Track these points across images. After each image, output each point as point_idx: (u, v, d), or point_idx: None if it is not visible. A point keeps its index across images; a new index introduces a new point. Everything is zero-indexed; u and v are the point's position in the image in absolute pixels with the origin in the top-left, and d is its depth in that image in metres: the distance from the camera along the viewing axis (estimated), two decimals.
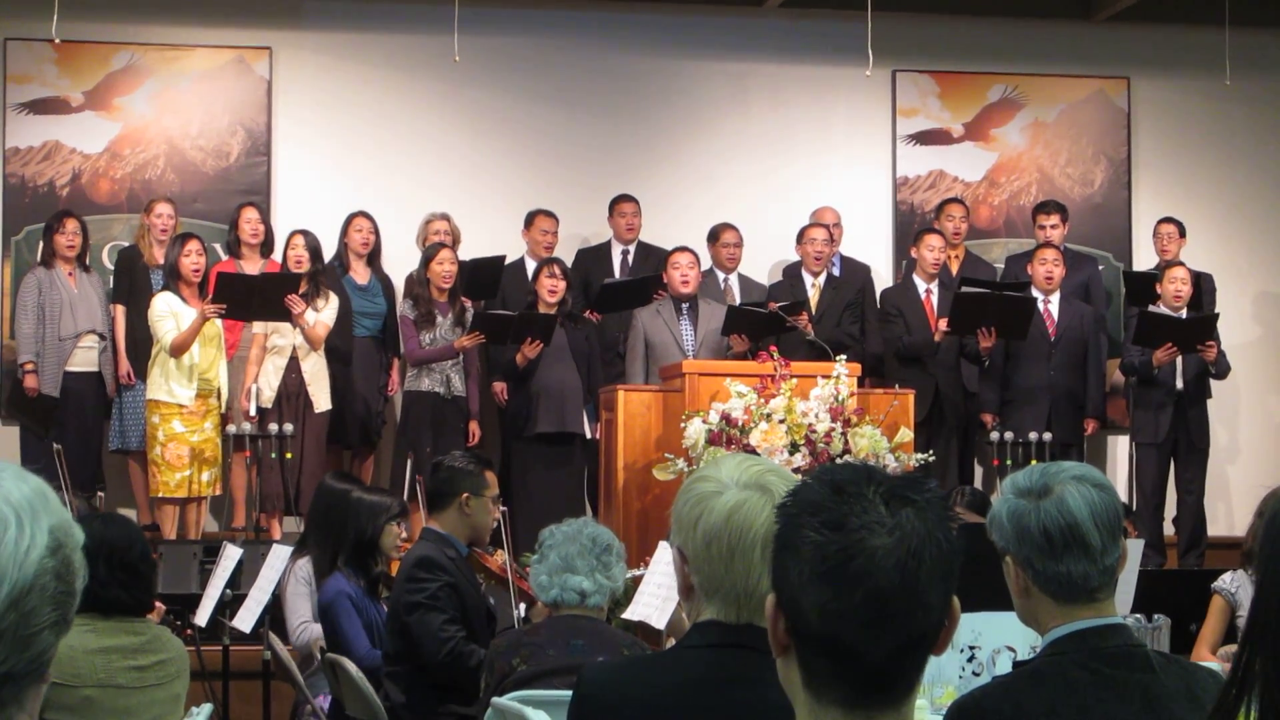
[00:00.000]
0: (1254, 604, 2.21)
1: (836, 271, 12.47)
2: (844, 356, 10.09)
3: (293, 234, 11.52)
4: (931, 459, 10.19)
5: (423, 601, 6.44)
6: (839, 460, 9.58)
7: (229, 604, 7.89)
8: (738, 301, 12.01)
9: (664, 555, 6.84)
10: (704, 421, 9.63)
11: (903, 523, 2.03)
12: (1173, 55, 13.98)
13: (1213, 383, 12.07)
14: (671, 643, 6.35)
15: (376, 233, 12.02)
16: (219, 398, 11.24)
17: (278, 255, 11.79)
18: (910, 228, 13.33)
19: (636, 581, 7.20)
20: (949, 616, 2.07)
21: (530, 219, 12.46)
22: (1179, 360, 11.78)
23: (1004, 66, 13.89)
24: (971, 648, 5.53)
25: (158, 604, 7.26)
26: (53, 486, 1.87)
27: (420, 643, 6.44)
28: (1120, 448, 13.05)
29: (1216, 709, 2.20)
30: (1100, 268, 13.22)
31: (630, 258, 12.63)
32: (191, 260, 11.14)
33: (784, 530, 2.07)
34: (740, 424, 9.62)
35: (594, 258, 12.69)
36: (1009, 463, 11.20)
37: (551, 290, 11.42)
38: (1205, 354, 11.71)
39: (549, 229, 12.42)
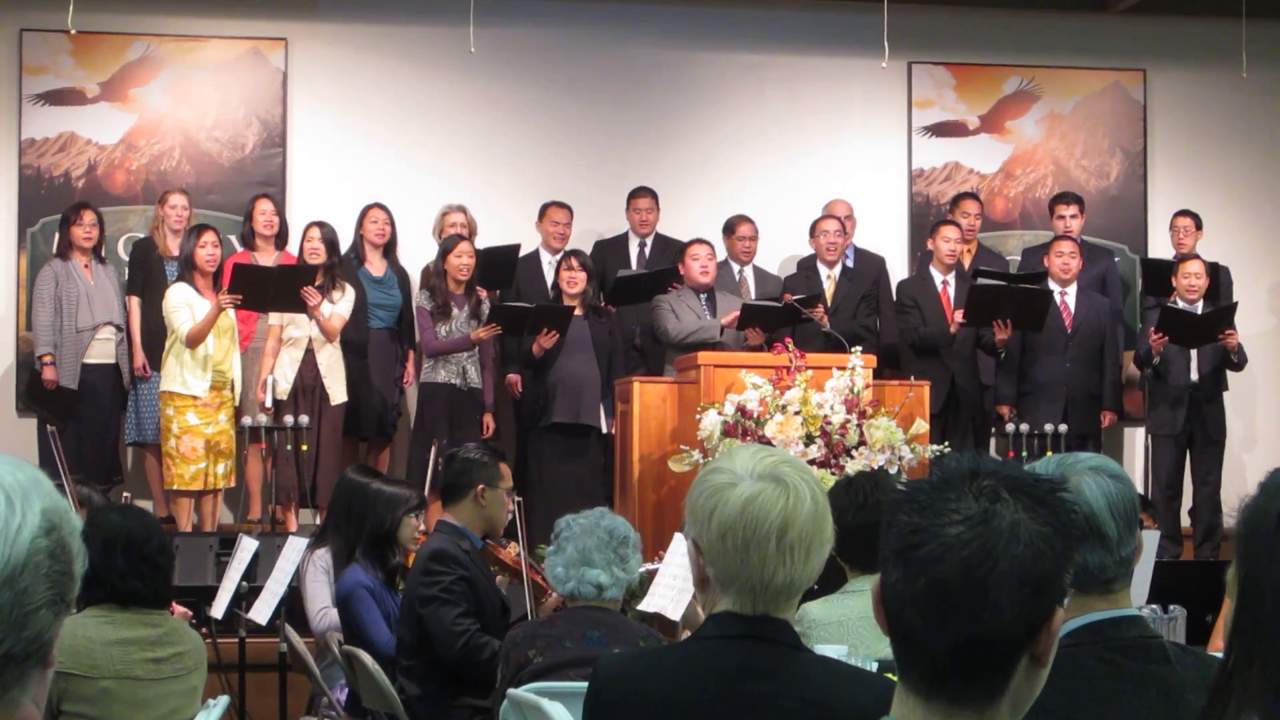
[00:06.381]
0: (1246, 611, 2.09)
1: (851, 263, 12.45)
2: (859, 348, 10.09)
3: (309, 225, 11.50)
4: (947, 451, 10.17)
5: (437, 595, 6.44)
6: (854, 452, 9.59)
7: (245, 596, 7.91)
8: (753, 293, 12.01)
9: (679, 547, 6.85)
10: (719, 413, 9.62)
11: (990, 519, 1.99)
12: (1189, 47, 13.95)
13: (1229, 374, 12.04)
14: (687, 634, 6.36)
15: (392, 224, 12.01)
16: (233, 390, 11.24)
17: (293, 247, 11.80)
18: (925, 220, 13.31)
19: (652, 573, 7.20)
20: (1045, 629, 2.01)
21: (542, 211, 12.44)
22: (1194, 353, 11.76)
23: (1020, 59, 13.86)
24: None
25: (183, 609, 7.29)
26: (50, 473, 1.88)
27: (434, 636, 6.45)
28: (1137, 440, 13.03)
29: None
30: (1116, 260, 13.20)
31: (647, 250, 12.62)
32: (207, 251, 11.15)
33: (888, 510, 2.07)
34: (755, 416, 9.62)
35: (611, 250, 12.67)
36: (1025, 455, 11.18)
37: (570, 281, 11.44)
38: (1227, 342, 11.67)
39: (561, 220, 12.40)
